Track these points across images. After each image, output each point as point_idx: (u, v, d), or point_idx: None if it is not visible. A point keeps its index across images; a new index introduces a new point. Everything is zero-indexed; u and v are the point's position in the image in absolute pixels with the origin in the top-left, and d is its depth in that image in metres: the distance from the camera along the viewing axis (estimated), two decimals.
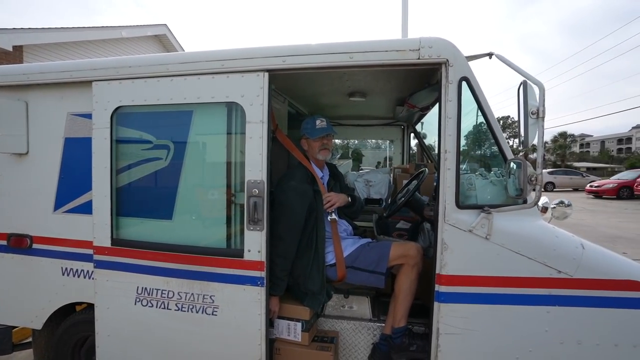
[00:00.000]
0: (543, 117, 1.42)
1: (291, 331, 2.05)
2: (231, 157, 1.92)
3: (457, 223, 1.67)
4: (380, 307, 2.27)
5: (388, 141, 3.87)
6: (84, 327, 2.18)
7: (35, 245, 2.19)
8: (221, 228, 1.95)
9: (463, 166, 1.84)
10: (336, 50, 1.73)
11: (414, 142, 3.68)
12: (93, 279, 2.05)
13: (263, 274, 1.82)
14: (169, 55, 1.93)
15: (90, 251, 2.06)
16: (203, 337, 1.92)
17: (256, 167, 1.81)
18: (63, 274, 2.15)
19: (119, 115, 2.00)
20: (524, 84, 1.46)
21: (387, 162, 4.23)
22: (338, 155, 3.68)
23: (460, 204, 1.68)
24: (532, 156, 1.57)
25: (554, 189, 21.98)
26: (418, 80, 2.22)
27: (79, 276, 2.13)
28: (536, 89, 1.45)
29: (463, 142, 1.75)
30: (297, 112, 3.17)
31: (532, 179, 1.47)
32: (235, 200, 1.92)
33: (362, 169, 4.26)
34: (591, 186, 18.67)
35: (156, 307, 1.97)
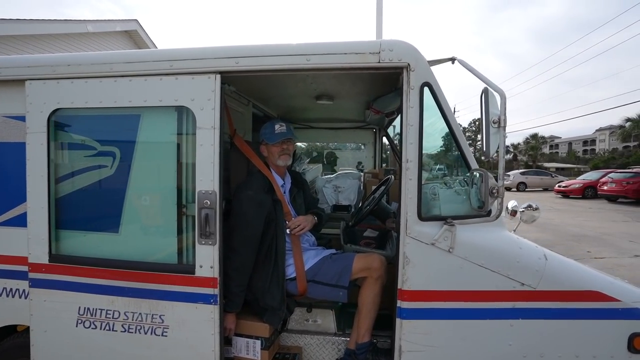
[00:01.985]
0: (504, 127, 1.36)
1: (250, 349, 1.93)
2: (182, 166, 1.77)
3: (419, 236, 1.60)
4: (347, 319, 2.19)
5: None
6: (20, 353, 1.98)
7: None
8: (171, 242, 1.80)
9: (427, 174, 1.78)
10: (292, 52, 1.62)
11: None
12: (29, 299, 1.86)
13: (216, 291, 1.69)
14: (113, 53, 1.76)
15: (26, 268, 1.86)
16: (152, 359, 1.77)
17: (207, 177, 1.67)
18: None
19: (58, 119, 1.82)
20: (486, 91, 1.40)
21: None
22: (307, 160, 3.58)
23: (422, 216, 1.60)
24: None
25: (526, 189, 22.77)
26: (384, 84, 2.14)
27: (13, 296, 1.93)
28: (498, 97, 1.39)
29: (426, 150, 1.69)
30: (265, 115, 3.04)
31: (494, 190, 1.41)
32: (187, 212, 1.77)
33: (337, 171, 4.17)
34: (559, 186, 19.49)
35: (100, 328, 1.80)
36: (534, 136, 42.62)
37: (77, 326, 1.81)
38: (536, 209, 2.34)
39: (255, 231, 1.82)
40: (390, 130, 3.54)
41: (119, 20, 9.70)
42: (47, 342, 1.85)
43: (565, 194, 18.73)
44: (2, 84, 1.87)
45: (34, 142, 1.80)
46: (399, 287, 1.63)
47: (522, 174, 24.06)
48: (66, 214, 1.87)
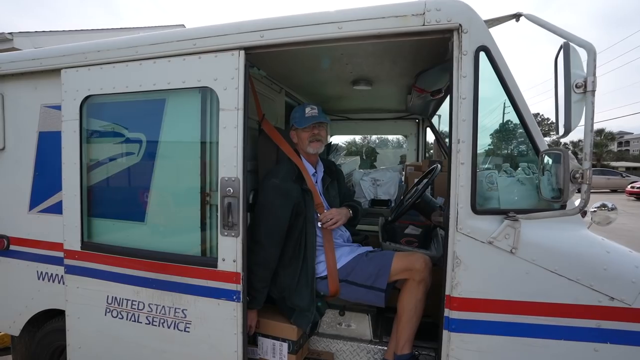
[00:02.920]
0: (593, 91, 1.04)
1: (277, 352, 1.77)
2: (206, 151, 1.67)
3: (473, 232, 1.32)
4: (385, 325, 1.95)
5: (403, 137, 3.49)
6: (60, 336, 2.02)
7: (12, 247, 2.07)
8: (195, 233, 1.70)
9: (483, 161, 1.48)
10: (322, 21, 1.43)
11: (432, 138, 3.29)
12: (65, 285, 1.88)
13: (239, 287, 1.56)
14: (139, 36, 1.71)
15: (62, 254, 1.89)
16: (175, 355, 1.69)
17: (230, 163, 1.54)
18: (38, 278, 2.01)
19: (89, 106, 1.81)
20: (565, 48, 1.09)
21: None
22: (344, 152, 3.36)
23: (477, 208, 1.32)
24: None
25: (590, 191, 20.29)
26: (430, 60, 1.86)
27: (53, 281, 1.97)
28: (583, 54, 1.07)
29: (482, 129, 1.40)
30: (298, 104, 2.89)
31: (577, 175, 1.09)
32: (211, 201, 1.67)
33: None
34: (632, 187, 17.44)
35: (126, 319, 1.76)
36: (600, 132, 37.87)
37: (105, 315, 1.80)
38: (612, 209, 1.92)
39: (281, 223, 1.66)
40: (435, 121, 3.20)
41: (167, 25, 10.28)
42: (81, 329, 1.86)
43: None
44: (44, 75, 1.92)
45: (68, 130, 1.82)
46: (447, 292, 1.37)
47: None
48: (96, 201, 1.86)
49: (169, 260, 1.67)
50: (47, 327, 2.08)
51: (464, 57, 1.30)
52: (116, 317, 1.78)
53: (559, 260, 1.28)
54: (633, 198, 17.04)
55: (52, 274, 1.98)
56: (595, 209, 1.99)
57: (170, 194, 1.79)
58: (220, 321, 1.60)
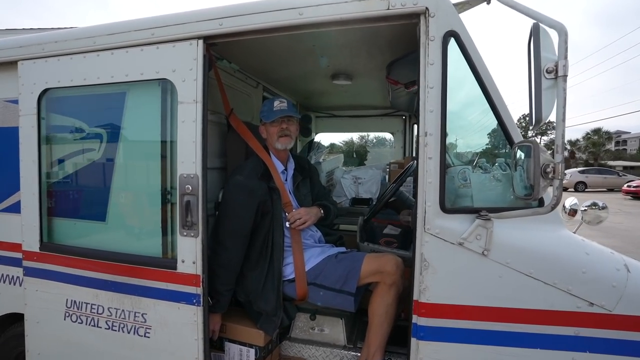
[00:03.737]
0: (564, 76, 0.94)
1: (243, 358, 1.68)
2: (167, 147, 1.58)
3: (442, 233, 1.23)
4: (360, 329, 1.86)
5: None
6: (22, 341, 1.93)
7: None
8: (155, 233, 1.61)
9: (454, 156, 1.39)
10: (281, 7, 1.34)
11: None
12: (23, 288, 1.80)
13: (199, 290, 1.47)
14: (96, 26, 1.62)
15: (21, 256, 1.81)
16: None
17: (189, 158, 1.45)
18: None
19: (48, 100, 1.73)
20: (535, 30, 0.99)
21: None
22: (327, 149, 3.27)
23: (446, 207, 1.23)
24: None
25: (586, 190, 20.08)
26: (406, 50, 1.77)
27: (14, 284, 1.89)
28: (554, 35, 0.98)
29: (455, 122, 1.30)
30: None
31: (548, 170, 1.00)
32: (171, 199, 1.58)
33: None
34: (629, 186, 17.21)
35: (86, 323, 1.67)
36: (597, 131, 37.39)
37: (65, 319, 1.71)
38: (603, 207, 1.85)
39: (244, 223, 1.57)
40: None
41: None
42: (40, 334, 1.78)
43: (637, 195, 16.42)
44: (1, 67, 1.83)
45: (26, 125, 1.73)
46: (415, 298, 1.27)
47: (581, 172, 21.22)
48: (56, 200, 1.78)
49: (129, 262, 1.58)
50: (9, 332, 2.00)
51: (431, 43, 1.20)
52: (75, 321, 1.69)
53: (534, 262, 1.19)
54: (629, 197, 16.82)
55: (12, 276, 1.89)
56: (586, 208, 1.90)
57: (131, 192, 1.70)
58: (181, 326, 1.51)
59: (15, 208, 1.85)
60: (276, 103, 1.72)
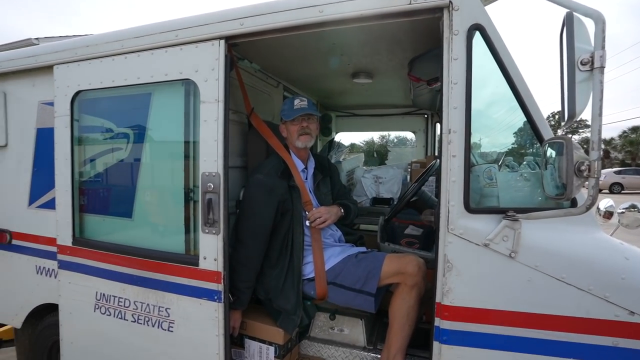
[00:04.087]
0: (602, 67, 0.88)
1: (263, 356, 1.69)
2: (190, 146, 1.62)
3: (467, 233, 1.18)
4: (381, 330, 1.83)
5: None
6: (57, 330, 2.04)
7: (14, 241, 2.12)
8: (179, 230, 1.66)
9: (479, 154, 1.34)
10: (301, 5, 1.33)
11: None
12: (58, 280, 1.90)
13: (220, 286, 1.49)
14: (125, 29, 1.69)
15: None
16: (159, 354, 1.66)
17: (211, 157, 1.48)
18: (37, 273, 2.04)
19: (80, 102, 1.82)
20: (568, 19, 0.93)
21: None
22: (347, 148, 3.24)
23: (471, 207, 1.18)
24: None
25: (622, 191, 18.70)
26: (428, 46, 1.72)
27: (50, 275, 2.00)
28: (589, 25, 0.92)
29: (481, 118, 1.25)
30: None
31: (583, 168, 0.94)
32: (194, 197, 1.61)
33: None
34: None
35: (114, 316, 1.74)
36: (635, 129, 34.88)
37: (94, 311, 1.79)
38: None
39: (264, 221, 1.58)
40: None
41: None
42: (72, 324, 1.87)
43: None
44: (40, 72, 1.94)
45: (60, 126, 1.82)
46: (437, 300, 1.23)
47: (617, 172, 19.69)
48: (86, 197, 1.86)
49: (154, 258, 1.63)
50: (46, 321, 2.11)
51: (454, 38, 1.16)
52: (104, 313, 1.77)
53: (567, 266, 1.12)
54: None
55: (49, 269, 2.00)
56: (624, 210, 1.79)
57: (156, 190, 1.76)
58: (202, 322, 1.54)
59: (51, 204, 1.95)
60: (296, 102, 1.72)
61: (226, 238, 1.49)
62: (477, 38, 1.16)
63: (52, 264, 1.97)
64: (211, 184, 1.48)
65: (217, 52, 1.47)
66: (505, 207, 1.17)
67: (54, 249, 1.93)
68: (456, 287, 1.20)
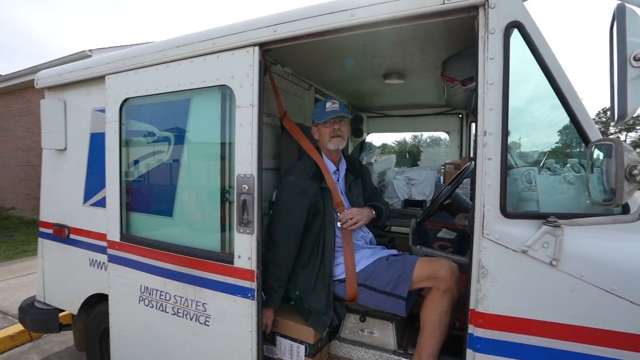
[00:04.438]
0: None
1: (294, 354, 1.73)
2: (226, 149, 1.69)
3: (503, 238, 1.14)
4: (412, 335, 1.80)
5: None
6: (107, 318, 2.22)
7: (71, 236, 2.33)
8: (215, 229, 1.74)
9: (518, 155, 1.28)
10: (333, 10, 1.35)
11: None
12: (107, 272, 2.06)
13: (254, 284, 1.55)
14: (167, 40, 1.80)
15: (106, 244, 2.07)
16: (196, 347, 1.75)
17: (246, 160, 1.54)
18: (90, 265, 2.23)
19: (127, 108, 1.96)
20: (619, 11, 0.87)
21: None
22: (378, 149, 3.19)
23: (508, 211, 1.14)
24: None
25: None
26: (464, 45, 1.67)
27: (101, 268, 2.18)
28: None
29: (517, 119, 1.20)
30: None
31: (635, 171, 0.87)
32: (229, 198, 1.69)
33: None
34: None
35: (156, 308, 1.87)
36: None
37: (139, 302, 1.92)
38: None
39: (296, 222, 1.61)
40: None
41: None
42: (120, 313, 2.02)
43: None
44: (94, 82, 2.12)
45: (110, 131, 1.98)
46: (471, 306, 1.20)
47: None
48: (132, 197, 2.01)
49: (192, 255, 1.73)
50: (98, 309, 2.30)
51: (491, 37, 1.13)
52: (147, 305, 1.89)
53: (618, 277, 1.04)
54: None
55: (100, 262, 2.18)
56: None
57: (194, 191, 1.85)
58: (237, 317, 1.61)
59: (102, 203, 2.13)
60: (328, 104, 1.74)
61: (259, 238, 1.55)
62: (516, 35, 1.12)
63: (103, 258, 2.15)
64: (246, 186, 1.54)
65: (251, 59, 1.52)
66: (545, 212, 1.12)
67: (104, 243, 2.09)
68: (491, 294, 1.16)
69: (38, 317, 2.48)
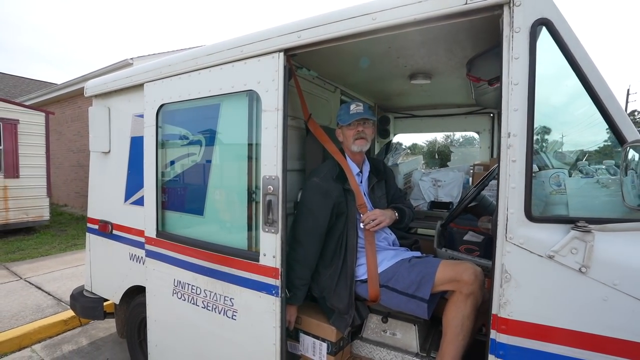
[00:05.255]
0: None
1: (316, 351, 1.77)
2: (253, 151, 1.77)
3: (527, 243, 1.10)
4: (436, 338, 1.78)
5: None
6: (144, 309, 2.39)
7: (114, 232, 2.53)
8: (242, 227, 1.82)
9: (544, 157, 1.23)
10: (355, 14, 1.37)
11: None
12: (145, 266, 2.22)
13: (278, 282, 1.61)
14: (199, 49, 1.91)
15: (144, 240, 2.23)
16: (224, 339, 1.84)
17: (271, 162, 1.60)
18: (130, 259, 2.41)
19: (163, 113, 2.10)
20: None
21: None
22: (403, 152, 3.14)
23: (533, 215, 1.10)
24: None
25: None
26: (491, 43, 1.62)
27: (139, 262, 2.34)
28: None
29: (545, 120, 1.16)
30: None
31: None
32: (256, 198, 1.76)
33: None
34: None
35: (187, 301, 1.98)
36: None
37: (172, 295, 2.05)
38: None
39: (320, 222, 1.65)
40: None
41: None
42: (156, 305, 2.17)
43: None
44: (134, 89, 2.29)
45: (148, 135, 2.13)
46: (494, 312, 1.17)
47: None
48: (167, 196, 2.14)
49: (221, 252, 1.82)
50: (137, 300, 2.48)
51: (515, 35, 1.10)
52: (180, 298, 2.02)
53: None
54: None
55: (138, 256, 2.35)
56: None
57: (223, 191, 1.95)
58: (261, 313, 1.67)
59: (140, 201, 2.29)
60: (352, 107, 1.76)
61: (284, 237, 1.60)
62: (544, 33, 1.08)
63: (141, 252, 2.31)
64: (271, 187, 1.60)
65: (277, 64, 1.58)
66: (574, 217, 1.07)
67: (142, 239, 2.25)
68: (514, 300, 1.13)
69: (86, 305, 2.71)
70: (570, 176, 1.17)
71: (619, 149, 1.19)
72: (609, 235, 1.02)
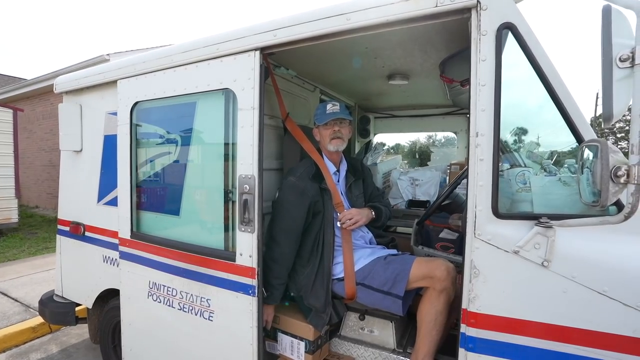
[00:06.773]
0: None
1: (294, 350, 1.77)
2: (229, 150, 1.75)
3: (494, 239, 1.15)
4: (413, 334, 1.81)
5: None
6: (118, 312, 2.32)
7: (87, 233, 2.44)
8: (219, 227, 1.80)
9: (507, 157, 1.28)
10: (329, 14, 1.39)
11: None
12: (119, 268, 2.16)
13: (254, 281, 1.60)
14: (174, 46, 1.87)
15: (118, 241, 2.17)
16: (201, 341, 1.81)
17: (247, 161, 1.59)
18: (103, 261, 2.34)
19: (137, 111, 2.05)
20: (605, 12, 0.87)
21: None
22: (384, 150, 3.19)
23: (500, 212, 1.14)
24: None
25: None
26: (462, 45, 1.67)
27: (113, 264, 2.28)
28: (632, 17, 0.85)
29: (511, 120, 1.21)
30: None
31: (620, 173, 0.87)
32: (232, 197, 1.74)
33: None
34: None
35: (163, 303, 1.94)
36: None
37: (148, 297, 2.01)
38: None
39: (296, 221, 1.66)
40: None
41: None
42: (130, 307, 2.11)
43: None
44: (106, 86, 2.23)
45: (122, 133, 2.07)
46: (463, 306, 1.21)
47: None
48: (142, 196, 2.09)
49: (197, 252, 1.79)
50: (110, 303, 2.41)
51: (483, 38, 1.14)
52: (155, 300, 1.97)
53: (610, 279, 1.04)
54: None
55: (112, 258, 2.28)
56: None
57: (199, 191, 1.92)
58: (239, 313, 1.66)
59: (114, 202, 2.22)
60: (329, 106, 1.77)
61: (260, 236, 1.59)
62: (508, 37, 1.13)
63: (115, 254, 2.24)
64: (247, 186, 1.59)
65: (252, 63, 1.57)
66: (538, 214, 1.12)
67: (116, 241, 2.19)
68: (483, 294, 1.17)
69: (56, 311, 2.60)
70: (536, 174, 1.22)
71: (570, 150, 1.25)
72: (570, 231, 1.08)
